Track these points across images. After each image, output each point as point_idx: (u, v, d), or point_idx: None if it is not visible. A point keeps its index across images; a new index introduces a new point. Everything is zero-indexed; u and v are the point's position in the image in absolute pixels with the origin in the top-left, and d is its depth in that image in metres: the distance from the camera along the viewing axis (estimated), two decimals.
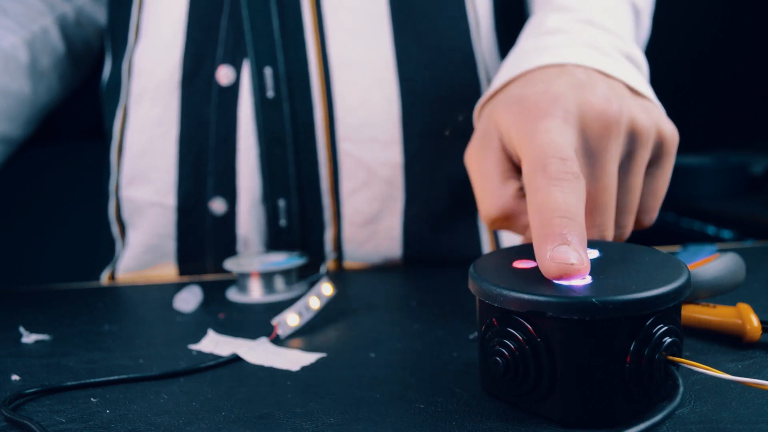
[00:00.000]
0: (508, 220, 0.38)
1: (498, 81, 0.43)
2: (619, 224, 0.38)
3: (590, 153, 0.36)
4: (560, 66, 0.40)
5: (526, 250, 0.32)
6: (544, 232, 0.29)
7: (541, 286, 0.27)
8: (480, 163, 0.39)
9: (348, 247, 0.58)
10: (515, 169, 0.39)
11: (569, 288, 0.26)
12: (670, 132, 0.38)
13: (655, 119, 0.38)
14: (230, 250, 0.58)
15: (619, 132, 0.36)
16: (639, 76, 0.41)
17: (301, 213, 0.57)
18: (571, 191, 0.31)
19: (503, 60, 0.46)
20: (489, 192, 0.39)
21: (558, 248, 0.28)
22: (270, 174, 0.56)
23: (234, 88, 0.55)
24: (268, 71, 0.55)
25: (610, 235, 0.37)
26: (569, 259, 0.27)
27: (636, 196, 0.38)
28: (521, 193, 0.38)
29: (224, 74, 0.55)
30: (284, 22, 0.55)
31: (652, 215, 0.40)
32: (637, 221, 0.40)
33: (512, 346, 0.27)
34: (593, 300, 0.25)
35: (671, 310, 0.27)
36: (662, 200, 0.40)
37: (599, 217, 0.36)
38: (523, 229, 0.39)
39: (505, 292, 0.27)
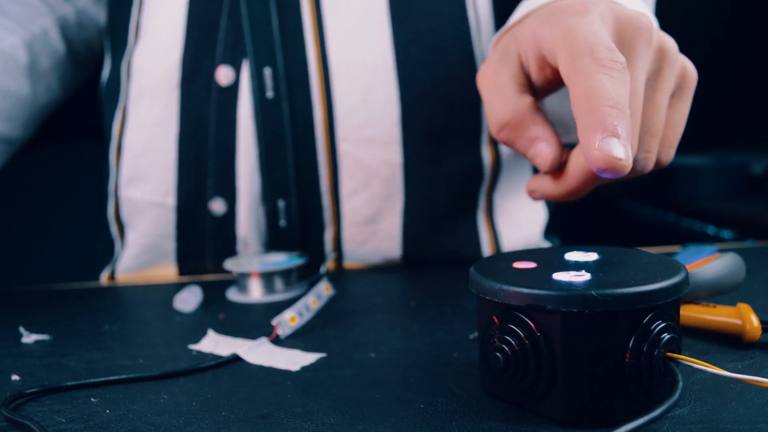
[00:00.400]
0: (517, 129, 0.37)
1: (519, 13, 0.41)
2: (644, 147, 0.36)
3: (622, 54, 0.34)
4: None
5: (526, 254, 0.32)
6: (593, 120, 0.28)
7: (542, 282, 0.27)
8: (496, 76, 0.38)
9: (348, 247, 0.58)
10: (531, 86, 0.38)
11: (569, 283, 0.27)
12: (691, 66, 0.38)
13: (678, 50, 0.37)
14: (230, 250, 0.58)
15: (650, 40, 0.35)
16: (655, 22, 0.40)
17: (300, 213, 0.57)
18: (620, 82, 0.30)
19: (520, 2, 0.45)
20: (503, 100, 0.37)
21: (608, 139, 0.27)
22: (269, 174, 0.56)
23: (233, 89, 0.55)
24: (267, 71, 0.55)
25: (634, 148, 0.34)
26: (618, 153, 0.27)
27: (661, 117, 0.36)
28: (536, 106, 0.37)
29: (224, 74, 0.55)
30: (283, 22, 0.55)
31: (671, 151, 0.38)
32: (657, 158, 0.38)
33: (513, 343, 0.27)
34: (592, 293, 0.25)
35: (670, 307, 0.27)
36: (680, 136, 0.39)
37: None
38: (527, 143, 0.37)
39: (506, 287, 0.27)
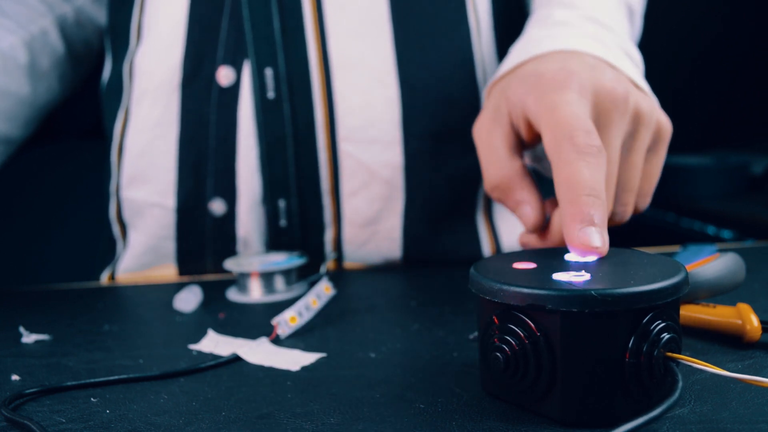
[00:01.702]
0: (506, 191, 0.41)
1: (508, 64, 0.45)
2: (621, 202, 0.40)
3: (598, 126, 0.38)
4: (571, 51, 0.42)
5: (526, 254, 0.33)
6: (573, 210, 0.32)
7: (542, 282, 0.27)
8: (489, 136, 0.42)
9: (348, 248, 0.58)
10: (521, 146, 0.42)
11: (569, 283, 0.27)
12: (666, 122, 0.42)
13: (653, 108, 0.41)
14: (230, 250, 0.58)
15: (625, 110, 0.38)
16: (638, 71, 0.44)
17: (301, 214, 0.57)
18: (596, 166, 0.34)
19: (510, 48, 0.48)
20: (495, 163, 0.41)
21: (585, 229, 0.31)
22: (270, 175, 0.56)
23: (234, 89, 0.55)
24: (268, 72, 0.55)
25: (610, 209, 0.39)
26: (596, 242, 0.31)
27: (637, 174, 0.40)
28: (524, 170, 0.41)
29: (224, 75, 0.55)
30: (285, 23, 0.55)
31: (647, 199, 0.42)
32: (634, 207, 0.42)
33: (513, 342, 0.27)
34: (592, 292, 0.25)
35: (669, 307, 0.27)
36: (656, 185, 0.42)
37: None
38: (514, 205, 0.41)
39: (506, 287, 0.27)
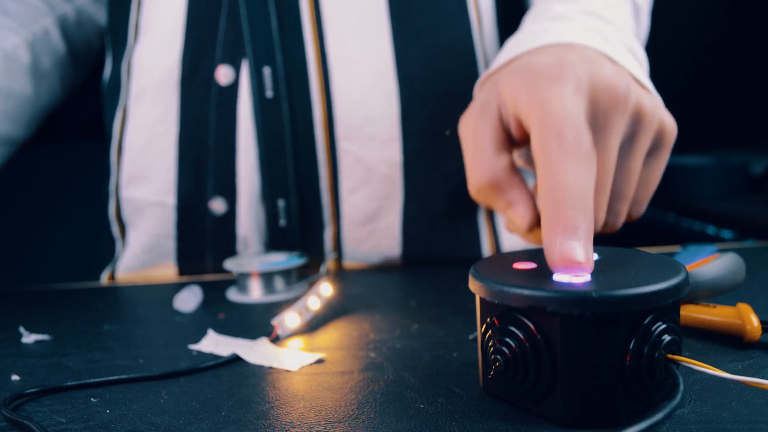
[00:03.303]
0: (494, 192, 0.37)
1: (502, 57, 0.41)
2: (613, 210, 0.37)
3: (595, 126, 0.35)
4: (569, 44, 0.38)
5: (526, 254, 0.32)
6: (555, 222, 0.29)
7: (542, 283, 0.27)
8: (475, 131, 0.38)
9: (347, 246, 0.58)
10: (509, 141, 0.38)
11: (569, 284, 0.27)
12: (670, 123, 0.38)
13: (657, 108, 0.37)
14: (230, 249, 0.58)
15: (626, 108, 0.35)
16: (641, 69, 0.41)
17: (300, 212, 0.57)
18: (584, 170, 0.31)
19: (505, 42, 0.45)
20: (480, 161, 0.37)
21: (568, 243, 0.28)
22: (269, 173, 0.56)
23: (233, 88, 0.55)
24: (266, 71, 0.55)
25: (601, 217, 0.36)
26: (578, 257, 0.28)
27: (633, 181, 0.37)
28: (512, 167, 0.37)
29: (223, 74, 0.55)
30: (282, 21, 0.55)
31: (642, 207, 0.39)
32: (628, 214, 0.39)
33: (513, 345, 0.27)
34: (593, 294, 0.25)
35: (670, 308, 0.27)
36: (653, 193, 0.39)
37: (594, 197, 0.34)
38: (505, 206, 0.37)
39: (506, 288, 0.27)
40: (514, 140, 0.38)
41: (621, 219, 0.38)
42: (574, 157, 0.31)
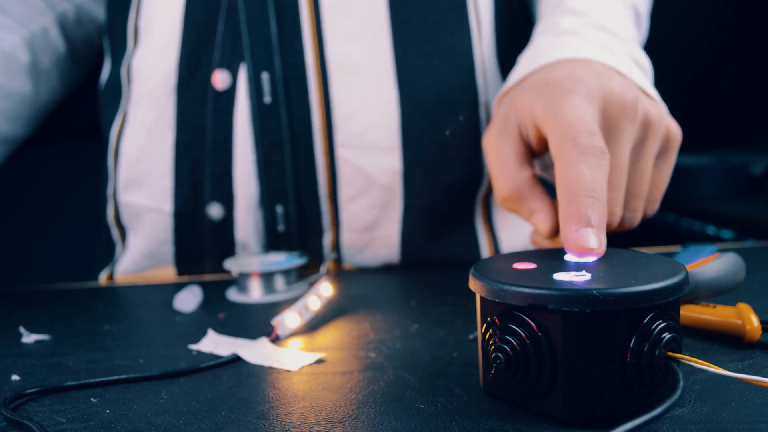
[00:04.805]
0: (518, 202, 0.41)
1: (517, 74, 0.45)
2: (629, 208, 0.40)
3: (607, 132, 0.38)
4: (579, 59, 0.42)
5: (525, 255, 0.32)
6: (570, 210, 0.32)
7: (543, 282, 0.27)
8: (499, 147, 0.42)
9: (346, 253, 0.58)
10: (530, 155, 0.42)
11: (570, 283, 0.27)
12: (675, 129, 0.42)
13: (663, 116, 0.41)
14: (228, 254, 0.57)
15: (635, 116, 0.39)
16: (646, 79, 0.44)
17: (299, 218, 0.56)
18: (597, 166, 0.34)
19: (518, 58, 0.48)
20: (505, 174, 0.41)
21: (582, 230, 0.31)
22: (267, 180, 0.55)
23: (230, 93, 0.55)
24: (264, 76, 0.54)
25: (618, 213, 0.39)
26: (592, 244, 0.31)
27: (646, 180, 0.40)
28: (534, 179, 0.41)
29: (220, 79, 0.55)
30: (282, 27, 0.54)
31: (655, 205, 0.42)
32: (643, 212, 0.42)
33: (514, 343, 0.27)
34: (594, 292, 0.25)
35: (670, 307, 0.27)
36: (664, 191, 0.43)
37: (610, 194, 0.38)
38: (528, 214, 0.41)
39: (507, 287, 0.27)
40: (534, 152, 0.42)
41: (638, 215, 0.41)
42: (588, 155, 0.34)
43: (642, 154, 0.40)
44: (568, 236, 0.31)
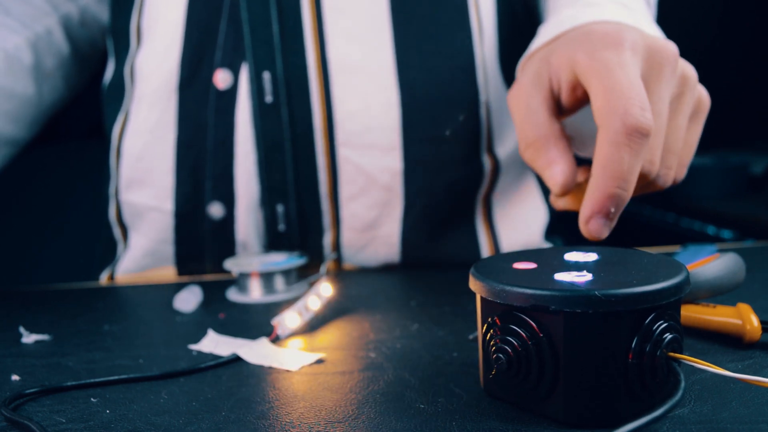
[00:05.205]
0: (540, 150, 0.40)
1: (544, 37, 0.44)
2: (665, 164, 0.39)
3: (649, 80, 0.37)
4: (612, 21, 0.41)
5: (525, 255, 0.32)
6: (597, 196, 0.34)
7: (544, 283, 0.27)
8: (529, 98, 0.41)
9: (347, 252, 0.58)
10: (559, 108, 0.41)
11: (571, 283, 0.27)
12: (705, 95, 0.42)
13: (696, 78, 0.40)
14: (229, 254, 0.57)
15: (675, 67, 0.38)
16: None
17: (299, 218, 0.56)
18: (638, 152, 0.34)
19: (539, 29, 0.47)
20: (534, 121, 0.40)
21: (600, 219, 0.34)
22: (268, 179, 0.55)
23: (232, 92, 0.55)
24: (266, 76, 0.54)
25: (656, 164, 0.37)
26: (603, 234, 0.34)
27: (681, 136, 0.40)
28: (562, 132, 0.40)
29: (221, 78, 0.55)
30: (284, 27, 0.54)
31: (684, 170, 0.41)
32: None
33: (515, 343, 0.27)
34: (595, 293, 0.25)
35: (671, 307, 0.27)
36: (693, 155, 0.42)
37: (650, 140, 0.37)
38: (545, 164, 0.39)
39: (508, 288, 0.27)
40: (563, 108, 0.41)
41: (671, 174, 0.40)
42: (634, 139, 0.34)
43: (678, 109, 0.39)
44: (586, 218, 0.34)
